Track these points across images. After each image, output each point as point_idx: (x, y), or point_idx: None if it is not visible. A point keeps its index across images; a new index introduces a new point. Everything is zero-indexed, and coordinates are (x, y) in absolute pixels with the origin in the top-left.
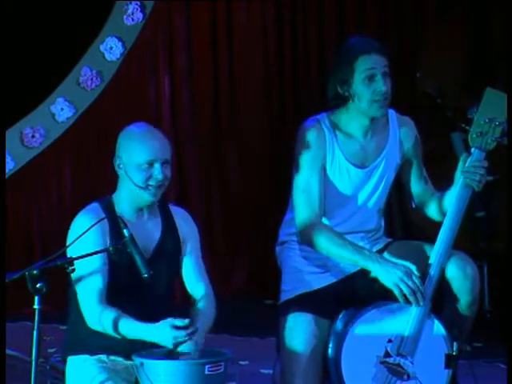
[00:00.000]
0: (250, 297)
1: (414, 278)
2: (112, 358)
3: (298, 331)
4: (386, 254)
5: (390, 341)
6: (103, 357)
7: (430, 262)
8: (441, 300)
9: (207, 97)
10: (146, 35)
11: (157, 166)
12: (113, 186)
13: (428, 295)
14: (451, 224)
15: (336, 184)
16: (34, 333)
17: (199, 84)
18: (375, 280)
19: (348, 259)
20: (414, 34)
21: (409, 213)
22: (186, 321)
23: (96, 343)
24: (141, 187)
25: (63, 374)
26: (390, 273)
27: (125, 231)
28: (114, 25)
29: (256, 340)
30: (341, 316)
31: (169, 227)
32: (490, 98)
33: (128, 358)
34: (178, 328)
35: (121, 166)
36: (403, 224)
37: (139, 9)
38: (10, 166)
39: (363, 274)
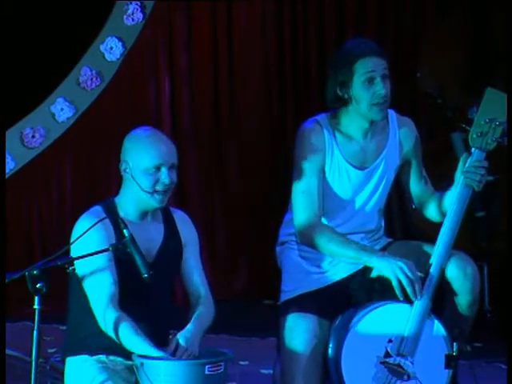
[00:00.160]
0: (250, 297)
1: (414, 270)
2: (112, 358)
3: (298, 331)
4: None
5: (390, 341)
6: (103, 357)
7: (430, 262)
8: (441, 300)
9: (207, 97)
10: (146, 35)
11: (164, 170)
12: (113, 186)
13: (428, 295)
14: (451, 224)
15: (336, 185)
16: (34, 333)
17: (199, 84)
18: (375, 280)
19: (350, 256)
20: (414, 34)
21: (409, 213)
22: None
23: (96, 343)
24: (148, 192)
25: (63, 374)
26: (391, 263)
27: (125, 231)
28: (114, 25)
29: (256, 340)
30: (341, 316)
31: (171, 231)
32: (490, 98)
33: (128, 358)
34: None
35: (127, 170)
36: (403, 224)
37: (139, 9)
38: (11, 166)
39: (363, 274)
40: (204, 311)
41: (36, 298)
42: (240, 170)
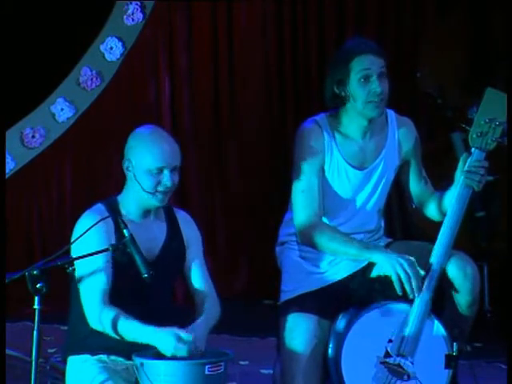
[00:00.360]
0: (250, 297)
1: (415, 265)
2: (112, 358)
3: (298, 331)
4: None
5: (390, 341)
6: (104, 357)
7: (429, 261)
8: (441, 300)
9: (207, 97)
10: (146, 35)
11: (166, 172)
12: (113, 186)
13: (428, 295)
14: (451, 224)
15: (335, 185)
16: (34, 333)
17: (199, 84)
18: (375, 280)
19: (352, 254)
20: (414, 34)
21: (409, 213)
22: (191, 336)
23: (96, 343)
24: (149, 192)
25: (63, 374)
26: (391, 259)
27: (125, 231)
28: (114, 25)
29: (256, 340)
30: (341, 316)
31: (173, 230)
32: (490, 98)
33: (128, 358)
34: (181, 339)
35: (129, 168)
36: (403, 224)
37: (139, 9)
38: (11, 166)
39: (363, 273)
40: (211, 309)
41: (36, 298)
42: (240, 170)
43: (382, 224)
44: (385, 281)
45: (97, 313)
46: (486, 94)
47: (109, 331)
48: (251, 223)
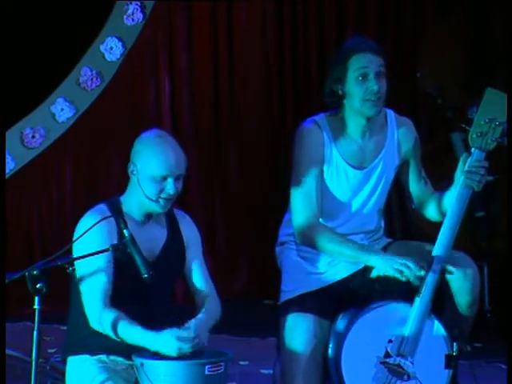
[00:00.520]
0: (250, 297)
1: (412, 261)
2: (112, 358)
3: (298, 331)
4: None
5: (390, 341)
6: (103, 357)
7: (430, 261)
8: (441, 300)
9: (207, 97)
10: (146, 35)
11: (170, 180)
12: (113, 186)
13: (428, 295)
14: (451, 224)
15: (335, 185)
16: (34, 333)
17: (199, 84)
18: (375, 280)
19: (349, 256)
20: (414, 34)
21: (409, 213)
22: (192, 332)
23: (96, 343)
24: (151, 199)
25: (63, 374)
26: (390, 260)
27: (125, 231)
28: (114, 25)
29: (256, 340)
30: (341, 316)
31: (174, 231)
32: (490, 98)
33: (128, 358)
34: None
35: (134, 172)
36: (403, 224)
37: (139, 9)
38: (11, 166)
39: (363, 273)
40: (211, 308)
41: (36, 298)
42: (240, 170)
43: (382, 224)
44: (385, 281)
45: (97, 313)
46: (485, 94)
47: (108, 333)
48: (251, 223)
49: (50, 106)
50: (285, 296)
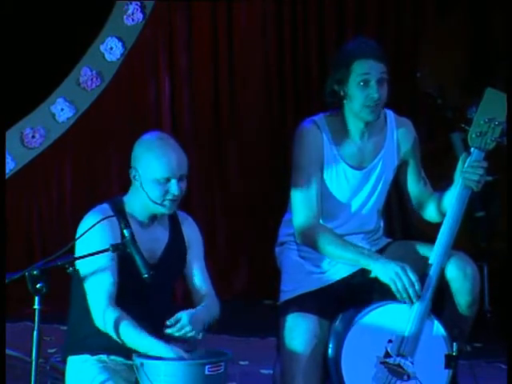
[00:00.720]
0: (250, 297)
1: (409, 273)
2: (112, 357)
3: (298, 331)
4: (385, 255)
5: (390, 341)
6: (104, 357)
7: (429, 262)
8: (441, 300)
9: (207, 97)
10: (146, 35)
11: (173, 181)
12: (113, 186)
13: (428, 295)
14: (451, 224)
15: (334, 186)
16: (34, 333)
17: (199, 84)
18: (375, 280)
19: (348, 259)
20: (414, 34)
21: (408, 213)
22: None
23: (96, 343)
24: (156, 203)
25: (63, 374)
26: (387, 268)
27: (125, 231)
28: (114, 25)
29: (256, 340)
30: (341, 316)
31: (176, 232)
32: (490, 98)
33: (128, 358)
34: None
35: (136, 177)
36: (403, 224)
37: (139, 9)
38: (11, 166)
39: (363, 274)
40: (210, 304)
41: (36, 298)
42: (240, 170)
43: (382, 224)
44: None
45: (101, 311)
46: (485, 94)
47: (110, 331)
48: (251, 223)
49: (50, 105)
50: (285, 296)
